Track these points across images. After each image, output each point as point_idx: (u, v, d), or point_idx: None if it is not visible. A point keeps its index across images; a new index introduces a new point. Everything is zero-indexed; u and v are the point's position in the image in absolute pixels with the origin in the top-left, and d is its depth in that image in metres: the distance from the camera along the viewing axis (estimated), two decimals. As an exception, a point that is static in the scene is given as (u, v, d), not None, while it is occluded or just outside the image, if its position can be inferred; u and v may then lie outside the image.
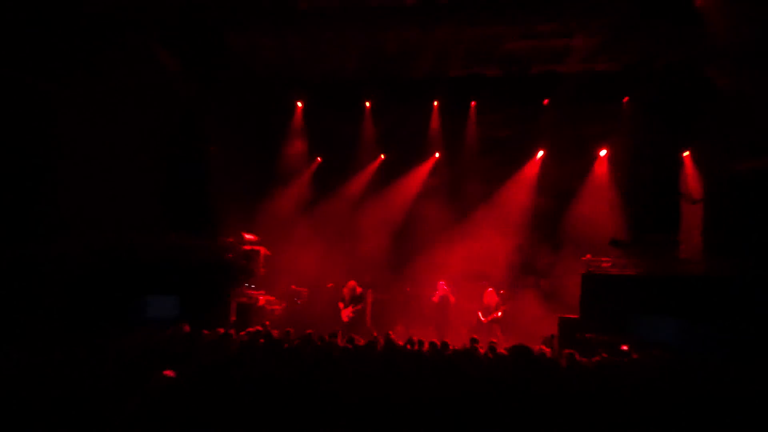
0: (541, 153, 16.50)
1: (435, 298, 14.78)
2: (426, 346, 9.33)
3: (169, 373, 5.22)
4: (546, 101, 15.14)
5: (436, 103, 16.08)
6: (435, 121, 16.32)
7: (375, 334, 10.90)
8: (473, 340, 10.00)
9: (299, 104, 16.24)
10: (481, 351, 8.97)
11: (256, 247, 14.65)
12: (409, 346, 9.26)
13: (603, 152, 15.89)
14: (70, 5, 11.55)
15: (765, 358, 9.25)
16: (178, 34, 13.18)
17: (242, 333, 9.94)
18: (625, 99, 14.89)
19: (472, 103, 15.96)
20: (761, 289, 10.77)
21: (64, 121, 12.51)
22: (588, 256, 13.04)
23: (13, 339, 8.04)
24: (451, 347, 9.11)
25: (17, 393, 5.05)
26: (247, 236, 14.73)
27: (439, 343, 9.27)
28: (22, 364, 6.14)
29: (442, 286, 14.82)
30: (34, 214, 12.51)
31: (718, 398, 5.59)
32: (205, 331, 9.60)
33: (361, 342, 9.24)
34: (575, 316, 12.48)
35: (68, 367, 6.16)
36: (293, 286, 15.46)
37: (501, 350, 8.99)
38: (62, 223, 12.66)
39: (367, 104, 16.31)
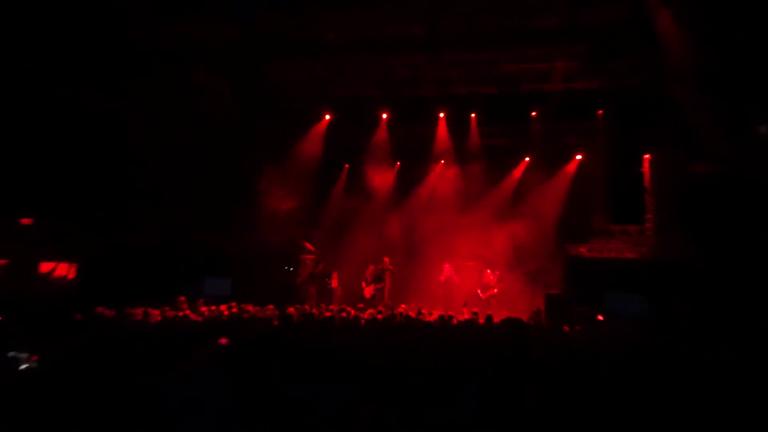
0: (527, 158, 16.48)
1: (441, 278, 14.84)
2: (435, 317, 9.38)
3: (223, 340, 5.29)
4: (534, 114, 15.08)
5: (442, 115, 16.00)
6: (442, 131, 16.26)
7: (393, 308, 10.91)
8: (474, 313, 10.04)
9: (327, 117, 16.18)
10: (480, 322, 9.00)
11: (299, 241, 14.86)
12: (421, 317, 9.31)
13: (579, 156, 15.83)
14: (132, 40, 11.70)
15: (713, 327, 9.28)
16: (224, 63, 13.21)
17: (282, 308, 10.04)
18: (600, 112, 14.81)
19: (472, 115, 15.90)
20: (709, 272, 10.79)
21: (135, 136, 12.75)
22: (569, 242, 13.02)
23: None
24: (455, 319, 9.14)
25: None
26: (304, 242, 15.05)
27: (445, 316, 9.30)
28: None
29: (448, 268, 14.86)
30: (116, 212, 12.95)
31: (676, 358, 5.64)
32: (251, 307, 9.71)
33: (381, 315, 9.31)
34: (558, 293, 12.48)
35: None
36: (324, 270, 15.51)
37: (497, 321, 9.02)
38: (137, 220, 13.10)
39: (384, 116, 16.25)
